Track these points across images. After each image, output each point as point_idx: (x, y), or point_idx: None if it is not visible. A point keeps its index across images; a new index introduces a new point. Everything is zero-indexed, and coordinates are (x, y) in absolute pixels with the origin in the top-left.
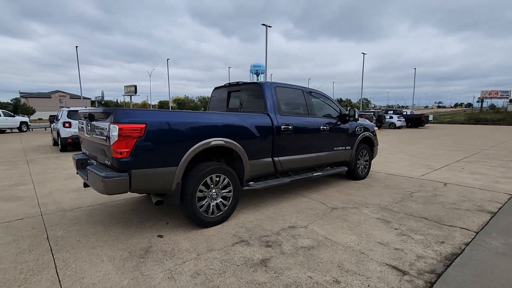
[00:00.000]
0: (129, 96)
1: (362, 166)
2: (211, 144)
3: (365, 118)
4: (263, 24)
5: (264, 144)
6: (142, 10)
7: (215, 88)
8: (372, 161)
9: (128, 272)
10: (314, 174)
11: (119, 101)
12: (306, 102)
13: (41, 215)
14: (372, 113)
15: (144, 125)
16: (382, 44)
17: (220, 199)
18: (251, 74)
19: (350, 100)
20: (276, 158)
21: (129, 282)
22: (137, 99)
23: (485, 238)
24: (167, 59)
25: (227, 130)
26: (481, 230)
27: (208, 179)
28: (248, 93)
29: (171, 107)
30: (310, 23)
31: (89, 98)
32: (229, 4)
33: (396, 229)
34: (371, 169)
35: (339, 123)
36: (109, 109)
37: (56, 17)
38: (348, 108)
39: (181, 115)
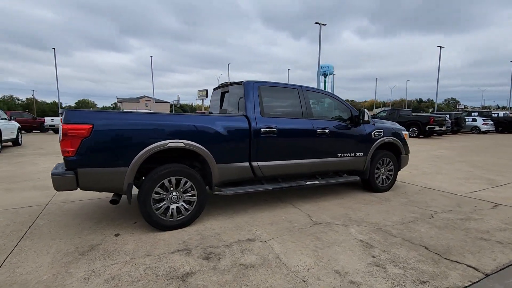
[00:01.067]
0: (201, 100)
1: (384, 177)
2: (167, 146)
3: (434, 121)
4: (317, 23)
5: (238, 147)
6: (218, 20)
7: (214, 89)
8: (417, 171)
9: (57, 267)
10: (307, 183)
11: (193, 104)
12: (300, 103)
13: (45, 205)
14: (445, 115)
15: (91, 126)
16: (479, 35)
17: (182, 203)
18: (318, 75)
19: (432, 100)
20: (255, 163)
21: (48, 278)
22: (208, 102)
23: (494, 284)
24: (228, 64)
25: (190, 132)
26: (496, 272)
27: (166, 181)
28: (234, 93)
29: None
30: (387, 17)
31: (168, 102)
32: (299, 6)
33: (373, 256)
34: (405, 181)
35: (346, 126)
36: (62, 110)
37: (147, 32)
38: (360, 109)
39: (135, 116)
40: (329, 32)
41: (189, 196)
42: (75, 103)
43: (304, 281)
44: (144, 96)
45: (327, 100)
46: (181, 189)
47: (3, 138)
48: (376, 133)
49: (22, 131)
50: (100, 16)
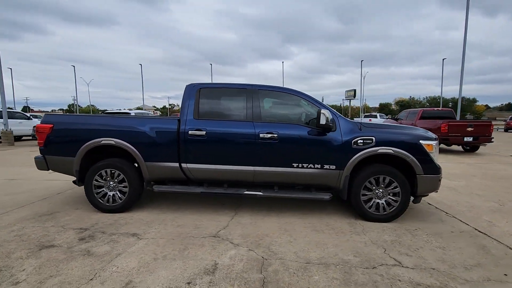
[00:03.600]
0: (348, 100)
1: (382, 202)
2: (101, 143)
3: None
4: None
5: (166, 148)
6: (379, 12)
7: None
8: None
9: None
10: (245, 192)
11: (341, 105)
12: (246, 104)
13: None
14: None
15: (52, 125)
16: None
17: (117, 192)
18: None
19: None
20: (184, 165)
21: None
22: (356, 102)
23: None
24: (361, 61)
25: (122, 132)
26: None
27: (103, 172)
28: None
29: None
30: None
31: None
32: None
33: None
34: (440, 208)
35: (309, 130)
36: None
37: (305, 38)
38: (318, 111)
39: (83, 118)
40: None
41: (122, 187)
42: None
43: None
44: None
45: (291, 100)
46: (116, 180)
47: (19, 134)
48: (360, 141)
49: None
50: (269, 30)
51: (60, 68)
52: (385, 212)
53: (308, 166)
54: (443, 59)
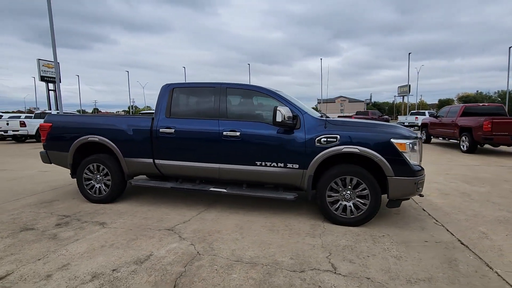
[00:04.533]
0: (401, 97)
1: (350, 205)
2: (88, 139)
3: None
4: None
5: (141, 145)
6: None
7: None
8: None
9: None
10: (210, 189)
11: (394, 102)
12: (214, 102)
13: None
14: None
15: (51, 124)
16: None
17: (102, 185)
18: None
19: None
20: (157, 161)
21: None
22: (412, 99)
23: None
24: (409, 53)
25: (105, 130)
26: None
27: (90, 166)
28: None
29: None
30: None
31: (363, 101)
32: None
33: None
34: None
35: (270, 129)
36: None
37: (356, 32)
38: (274, 108)
39: (76, 118)
40: None
41: (106, 180)
42: None
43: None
44: (340, 96)
45: (257, 98)
46: (102, 174)
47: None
48: (323, 140)
49: None
50: (316, 26)
51: (123, 73)
52: (353, 216)
53: (271, 165)
54: (510, 47)
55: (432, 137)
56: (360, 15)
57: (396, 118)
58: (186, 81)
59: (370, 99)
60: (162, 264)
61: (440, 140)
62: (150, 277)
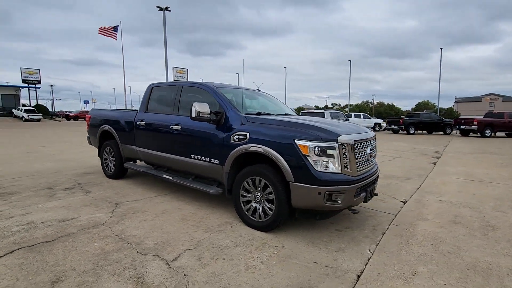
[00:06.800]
0: None
1: (260, 208)
2: (103, 129)
3: None
4: None
5: (129, 134)
6: None
7: None
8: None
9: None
10: (163, 176)
11: None
12: (174, 99)
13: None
14: None
15: (90, 116)
16: None
17: (112, 164)
18: None
19: None
20: (138, 148)
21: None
22: None
23: None
24: None
25: (112, 121)
26: None
27: (106, 149)
28: None
29: None
30: None
31: None
32: None
33: None
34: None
35: (201, 124)
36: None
37: None
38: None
39: (100, 112)
40: None
41: (114, 160)
42: (415, 106)
43: None
44: (490, 94)
45: (200, 94)
46: (111, 155)
47: None
48: (236, 137)
49: None
50: (463, 9)
51: (248, 76)
52: (261, 220)
53: (201, 158)
54: None
55: None
56: None
57: None
58: (167, 81)
59: None
60: (73, 224)
61: None
62: (50, 227)
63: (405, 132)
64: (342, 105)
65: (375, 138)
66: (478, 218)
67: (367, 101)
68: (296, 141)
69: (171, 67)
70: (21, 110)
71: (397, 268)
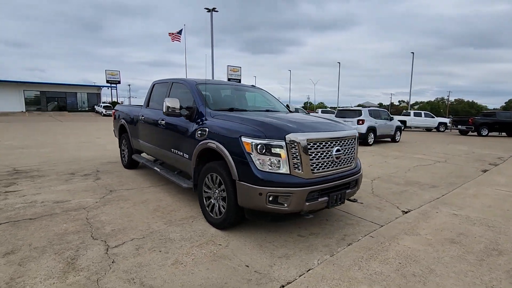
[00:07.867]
0: None
1: (217, 205)
2: (120, 123)
3: None
4: None
5: (135, 128)
6: None
7: None
8: None
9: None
10: (155, 168)
11: None
12: (165, 95)
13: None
14: None
15: (114, 111)
16: None
17: (125, 155)
18: None
19: None
20: (140, 141)
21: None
22: None
23: None
24: None
25: (125, 116)
26: None
27: (123, 141)
28: None
29: None
30: None
31: None
32: None
33: None
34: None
35: (178, 119)
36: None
37: None
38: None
39: (124, 107)
40: None
41: (126, 149)
42: (505, 103)
43: None
44: None
45: (183, 90)
46: (126, 146)
47: None
48: (199, 133)
49: None
50: None
51: (308, 73)
52: (217, 217)
53: (177, 153)
54: None
55: None
56: None
57: None
58: (167, 78)
59: None
60: (62, 206)
61: None
62: (43, 207)
63: (475, 133)
64: (411, 103)
65: (353, 138)
66: (488, 239)
67: (442, 98)
68: (242, 138)
69: (225, 66)
70: (100, 106)
71: (333, 285)
